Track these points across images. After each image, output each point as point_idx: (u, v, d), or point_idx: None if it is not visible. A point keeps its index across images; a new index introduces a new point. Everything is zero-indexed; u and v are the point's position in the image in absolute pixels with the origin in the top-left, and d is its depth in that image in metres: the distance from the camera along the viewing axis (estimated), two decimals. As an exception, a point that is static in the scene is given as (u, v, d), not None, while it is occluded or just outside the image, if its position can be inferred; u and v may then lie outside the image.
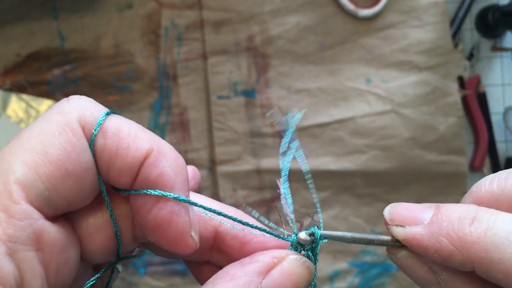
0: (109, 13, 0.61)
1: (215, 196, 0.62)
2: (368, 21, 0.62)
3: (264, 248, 0.22)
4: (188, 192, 0.21)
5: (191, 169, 0.36)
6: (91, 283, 0.20)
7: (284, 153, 0.23)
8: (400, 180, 0.62)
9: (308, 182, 0.25)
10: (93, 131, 0.19)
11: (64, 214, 0.19)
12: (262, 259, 0.20)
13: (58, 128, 0.19)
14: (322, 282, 0.62)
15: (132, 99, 0.62)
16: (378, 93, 0.62)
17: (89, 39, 0.61)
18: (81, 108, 0.20)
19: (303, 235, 0.22)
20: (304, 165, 0.24)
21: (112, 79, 0.62)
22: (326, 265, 0.62)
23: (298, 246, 0.21)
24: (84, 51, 0.61)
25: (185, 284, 0.62)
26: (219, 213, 0.22)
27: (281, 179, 0.25)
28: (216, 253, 0.23)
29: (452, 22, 0.64)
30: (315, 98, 0.62)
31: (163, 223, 0.20)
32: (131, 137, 0.20)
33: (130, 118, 0.68)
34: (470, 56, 0.65)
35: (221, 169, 0.61)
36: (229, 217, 0.22)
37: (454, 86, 0.62)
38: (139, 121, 0.71)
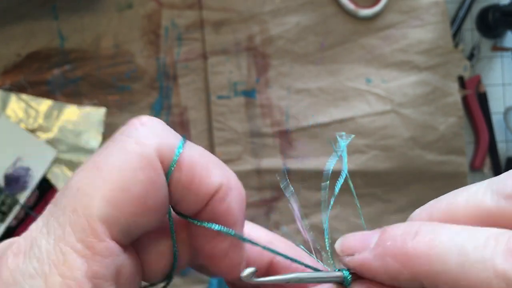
0: (109, 13, 0.61)
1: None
2: (368, 21, 0.62)
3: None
4: (244, 223, 0.21)
5: None
6: None
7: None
8: (400, 180, 0.62)
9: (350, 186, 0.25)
10: (171, 166, 0.19)
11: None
12: None
13: (139, 163, 0.19)
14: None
15: (132, 99, 0.62)
16: (378, 93, 0.62)
17: (89, 39, 0.61)
18: (159, 138, 0.19)
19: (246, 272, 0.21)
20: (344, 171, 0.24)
21: (112, 79, 0.62)
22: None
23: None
24: (84, 51, 0.61)
25: (186, 284, 0.62)
26: (272, 250, 0.23)
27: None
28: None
29: (452, 22, 0.64)
30: (315, 98, 0.62)
31: (220, 255, 0.21)
32: (205, 170, 0.20)
33: (130, 118, 0.68)
34: (471, 56, 0.65)
35: (221, 169, 0.61)
36: (281, 254, 0.23)
37: (455, 86, 0.62)
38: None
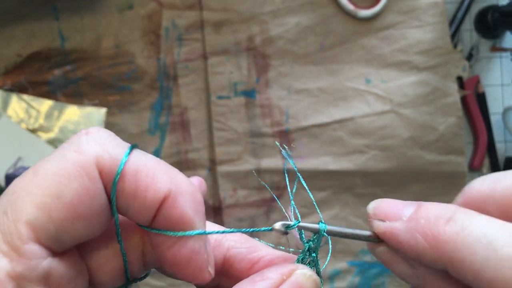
0: (109, 13, 0.61)
1: (215, 196, 0.62)
2: (367, 22, 0.62)
3: (272, 265, 0.22)
4: (205, 226, 0.21)
5: (197, 180, 0.36)
6: None
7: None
8: (399, 180, 0.62)
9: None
10: (116, 175, 0.19)
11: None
12: (272, 275, 0.21)
13: (74, 171, 0.19)
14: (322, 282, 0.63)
15: (133, 99, 0.62)
16: (378, 93, 0.62)
17: (90, 40, 0.61)
18: (100, 147, 0.19)
19: (278, 225, 0.22)
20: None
21: (112, 79, 0.62)
22: (326, 265, 0.62)
23: (305, 253, 0.23)
24: (85, 52, 0.61)
25: (185, 284, 0.62)
26: (232, 231, 0.23)
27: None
28: (225, 278, 0.24)
29: (451, 23, 0.64)
30: (315, 98, 0.62)
31: (183, 261, 0.21)
32: (149, 178, 0.20)
33: (130, 119, 0.68)
34: (469, 57, 0.65)
35: (221, 169, 0.61)
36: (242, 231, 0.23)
37: (454, 86, 0.62)
38: (139, 121, 0.71)
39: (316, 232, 0.23)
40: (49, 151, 0.60)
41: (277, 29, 0.62)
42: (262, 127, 0.62)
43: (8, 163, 0.59)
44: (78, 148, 0.19)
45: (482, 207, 0.19)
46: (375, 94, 0.62)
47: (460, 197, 0.21)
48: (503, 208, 0.19)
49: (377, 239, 0.21)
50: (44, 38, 0.61)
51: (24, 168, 0.59)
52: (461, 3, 0.64)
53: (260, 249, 0.23)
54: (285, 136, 0.62)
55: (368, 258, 0.63)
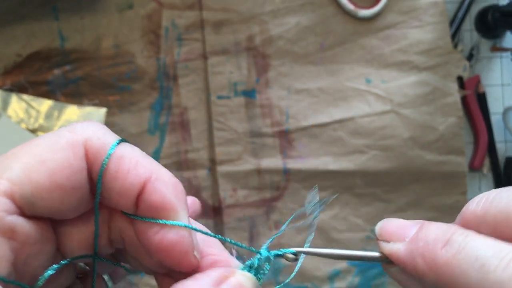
0: (109, 13, 0.61)
1: (215, 196, 0.62)
2: (368, 22, 0.62)
3: (215, 266, 0.23)
4: (187, 214, 0.22)
5: (190, 199, 0.36)
6: (53, 271, 0.21)
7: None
8: (399, 180, 0.62)
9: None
10: (105, 158, 0.21)
11: None
12: (214, 274, 0.21)
13: (62, 145, 0.20)
14: (322, 282, 0.62)
15: (133, 99, 0.62)
16: (378, 93, 0.62)
17: (90, 40, 0.61)
18: (91, 132, 0.21)
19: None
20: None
21: (112, 79, 0.62)
22: (326, 265, 0.62)
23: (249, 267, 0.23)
24: (85, 52, 0.61)
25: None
26: (216, 237, 0.24)
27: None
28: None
29: (451, 23, 0.64)
30: (315, 98, 0.62)
31: (169, 247, 0.21)
32: (132, 163, 0.21)
33: (130, 118, 0.68)
34: (470, 57, 0.65)
35: (221, 169, 0.61)
36: (219, 238, 0.24)
37: (454, 86, 0.62)
38: (139, 121, 0.71)
39: (325, 256, 0.24)
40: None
41: (277, 29, 0.62)
42: (262, 127, 0.62)
43: (8, 163, 0.59)
44: (72, 129, 0.21)
45: (478, 229, 0.19)
46: (375, 94, 0.62)
47: (458, 218, 0.21)
48: (497, 230, 0.19)
49: (386, 259, 0.22)
50: (44, 38, 0.61)
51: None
52: (462, 3, 0.64)
53: (214, 248, 0.23)
54: (285, 136, 0.62)
55: (368, 258, 0.63)
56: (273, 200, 0.62)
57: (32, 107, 0.61)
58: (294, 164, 0.62)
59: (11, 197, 0.19)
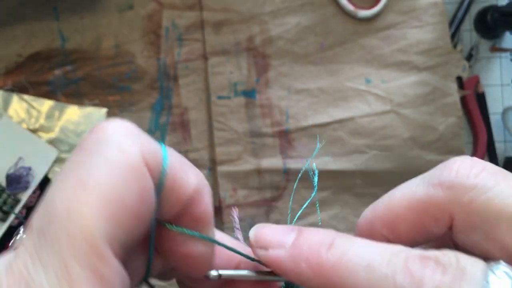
0: (109, 13, 0.62)
1: (215, 196, 0.62)
2: (367, 22, 0.62)
3: None
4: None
5: None
6: None
7: None
8: (399, 180, 0.62)
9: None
10: (162, 175, 0.19)
11: None
12: None
13: (129, 174, 0.17)
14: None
15: (133, 99, 0.62)
16: (378, 93, 0.62)
17: (90, 40, 0.61)
18: (140, 144, 0.18)
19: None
20: None
21: (112, 80, 0.62)
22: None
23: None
24: (85, 52, 0.62)
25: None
26: (242, 254, 0.23)
27: None
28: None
29: (451, 23, 0.64)
30: (315, 98, 0.62)
31: (195, 256, 0.21)
32: (184, 174, 0.20)
33: (131, 119, 0.68)
34: (469, 57, 0.65)
35: (222, 169, 0.61)
36: (249, 257, 0.23)
37: (453, 86, 0.62)
38: (140, 122, 0.71)
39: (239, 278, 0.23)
40: (49, 151, 0.60)
41: (277, 29, 0.62)
42: (262, 127, 0.62)
43: (9, 163, 0.59)
44: (120, 147, 0.18)
45: (372, 232, 0.21)
46: (375, 94, 0.62)
47: (355, 231, 0.22)
48: (389, 225, 0.20)
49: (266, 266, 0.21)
50: (44, 38, 0.61)
51: (25, 168, 0.60)
52: (461, 3, 0.64)
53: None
54: (285, 136, 0.62)
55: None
56: (273, 200, 0.62)
57: (33, 107, 0.61)
58: (294, 164, 0.62)
59: (116, 256, 0.17)
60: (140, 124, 0.69)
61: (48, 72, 0.61)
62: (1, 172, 0.59)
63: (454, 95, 0.62)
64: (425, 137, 0.62)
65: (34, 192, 0.60)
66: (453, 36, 0.64)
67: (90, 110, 0.62)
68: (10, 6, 0.61)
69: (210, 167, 0.62)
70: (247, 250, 0.23)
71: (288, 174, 0.62)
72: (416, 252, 0.17)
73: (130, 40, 0.62)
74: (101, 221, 0.16)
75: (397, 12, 0.62)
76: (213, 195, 0.62)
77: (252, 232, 0.21)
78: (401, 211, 0.21)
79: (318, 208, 0.27)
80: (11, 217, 0.59)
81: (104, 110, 0.62)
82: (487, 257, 0.17)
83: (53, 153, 0.61)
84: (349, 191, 0.63)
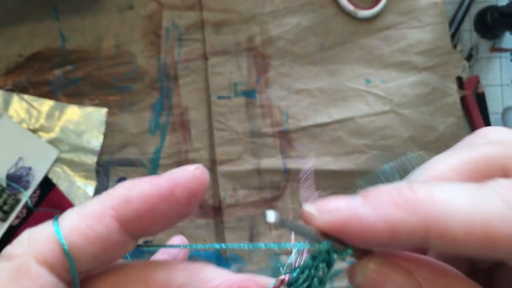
0: (110, 14, 0.62)
1: (215, 196, 0.62)
2: (367, 22, 0.62)
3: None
4: None
5: (179, 239, 0.30)
6: None
7: None
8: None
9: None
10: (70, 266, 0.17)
11: None
12: None
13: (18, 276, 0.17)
14: (321, 281, 0.63)
15: (133, 99, 0.62)
16: (378, 94, 0.62)
17: (90, 40, 0.62)
18: (33, 244, 0.18)
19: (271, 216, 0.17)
20: None
21: (113, 80, 0.62)
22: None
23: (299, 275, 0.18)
24: (85, 52, 0.62)
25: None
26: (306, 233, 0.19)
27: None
28: None
29: (451, 23, 0.64)
30: (315, 98, 0.62)
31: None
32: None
33: (131, 119, 0.68)
34: (469, 57, 0.65)
35: (222, 169, 0.62)
36: None
37: (453, 87, 0.62)
38: (140, 122, 0.71)
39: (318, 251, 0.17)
40: (50, 151, 0.61)
41: (277, 30, 0.62)
42: (262, 127, 0.62)
43: (10, 163, 0.59)
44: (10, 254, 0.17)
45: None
46: (375, 94, 0.62)
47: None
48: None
49: (324, 238, 0.17)
50: (44, 38, 0.61)
51: (25, 168, 0.60)
52: (461, 4, 0.65)
53: (214, 279, 0.19)
54: (285, 136, 0.62)
55: (368, 257, 0.63)
56: (273, 200, 0.63)
57: (33, 107, 0.61)
58: (294, 164, 0.62)
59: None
60: (140, 124, 0.69)
61: (48, 72, 0.62)
62: (1, 172, 0.59)
63: (454, 95, 0.62)
64: (425, 137, 0.62)
65: (34, 192, 0.60)
66: (453, 36, 0.64)
67: (90, 110, 0.62)
68: (10, 6, 0.61)
69: (210, 167, 0.62)
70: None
71: (288, 174, 0.62)
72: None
73: (130, 40, 0.62)
74: None
75: (397, 12, 0.62)
76: (213, 195, 0.63)
77: (309, 206, 0.18)
78: (450, 178, 0.18)
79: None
80: (11, 217, 0.59)
81: (104, 110, 0.62)
82: None
83: (53, 153, 0.61)
84: (349, 191, 0.63)
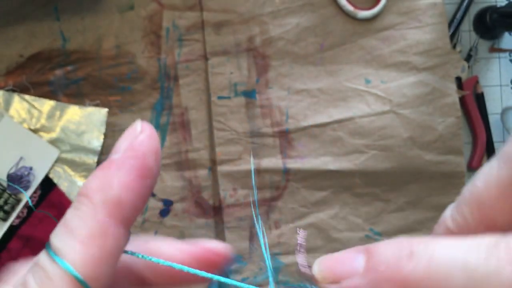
0: (110, 14, 0.62)
1: (216, 196, 0.62)
2: (367, 22, 0.62)
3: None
4: None
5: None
6: None
7: None
8: (398, 180, 0.63)
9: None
10: None
11: None
12: None
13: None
14: (321, 281, 0.63)
15: (134, 99, 0.62)
16: (377, 94, 0.62)
17: (91, 40, 0.62)
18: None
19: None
20: None
21: (113, 80, 0.62)
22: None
23: None
24: (86, 52, 0.62)
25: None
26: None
27: None
28: None
29: (450, 24, 0.64)
30: (315, 98, 0.63)
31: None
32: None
33: (131, 119, 0.69)
34: (468, 57, 0.65)
35: (222, 168, 0.62)
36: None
37: (452, 87, 0.62)
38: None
39: None
40: (50, 151, 0.61)
41: (277, 30, 0.62)
42: (262, 127, 0.62)
43: (11, 162, 0.60)
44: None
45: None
46: (375, 94, 0.62)
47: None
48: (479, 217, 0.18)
49: None
50: (45, 38, 0.62)
51: (26, 168, 0.60)
52: (460, 4, 0.65)
53: (166, 251, 0.21)
54: (285, 136, 0.63)
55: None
56: (273, 200, 0.63)
57: (34, 107, 0.61)
58: (294, 164, 0.62)
59: None
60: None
61: (49, 72, 0.62)
62: (3, 172, 0.59)
63: (453, 96, 0.62)
64: (424, 137, 0.62)
65: (35, 191, 0.60)
66: (452, 36, 0.64)
67: (91, 110, 0.62)
68: (11, 6, 0.61)
69: (210, 167, 0.63)
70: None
71: (288, 174, 0.62)
72: None
73: (131, 41, 0.62)
74: None
75: (396, 13, 0.62)
76: (214, 194, 0.63)
77: (315, 268, 0.19)
78: (489, 198, 0.17)
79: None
80: (12, 217, 0.60)
81: (105, 110, 0.62)
82: None
83: (54, 153, 0.61)
84: (349, 191, 0.63)
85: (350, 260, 0.18)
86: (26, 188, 0.60)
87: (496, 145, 0.66)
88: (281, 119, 0.63)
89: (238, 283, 0.20)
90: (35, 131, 0.61)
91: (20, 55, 0.61)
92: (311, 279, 0.19)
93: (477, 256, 0.15)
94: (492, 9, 0.64)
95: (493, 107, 0.66)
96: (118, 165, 0.19)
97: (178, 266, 0.20)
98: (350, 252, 0.18)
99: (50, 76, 0.62)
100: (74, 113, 0.62)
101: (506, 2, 0.66)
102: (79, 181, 0.62)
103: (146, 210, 0.62)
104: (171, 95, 0.62)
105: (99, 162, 0.62)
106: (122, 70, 0.62)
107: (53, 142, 0.61)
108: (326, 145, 0.62)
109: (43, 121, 0.61)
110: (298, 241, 0.23)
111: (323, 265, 0.19)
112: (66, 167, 0.61)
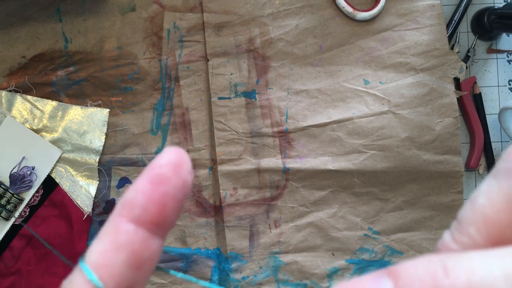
0: (112, 15, 0.62)
1: (216, 195, 0.63)
2: (366, 24, 0.63)
3: None
4: None
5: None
6: None
7: None
8: (397, 179, 0.63)
9: None
10: None
11: None
12: None
13: None
14: (320, 279, 0.63)
15: (135, 100, 0.63)
16: (376, 94, 0.63)
17: (93, 41, 0.62)
18: None
19: None
20: None
21: (115, 81, 0.63)
22: (324, 263, 0.63)
23: None
24: (88, 53, 0.62)
25: (186, 282, 0.63)
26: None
27: None
28: None
29: (448, 25, 0.65)
30: (314, 99, 0.63)
31: None
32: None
33: (133, 119, 0.69)
34: (466, 58, 0.66)
35: (222, 168, 0.62)
36: None
37: (450, 87, 0.63)
38: (141, 122, 0.72)
39: None
40: (53, 151, 0.61)
41: (277, 31, 0.63)
42: (262, 128, 0.63)
43: (13, 162, 0.60)
44: None
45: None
46: (373, 95, 0.63)
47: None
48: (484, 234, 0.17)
49: None
50: (47, 40, 0.62)
51: (28, 168, 0.60)
52: (458, 6, 0.65)
53: None
54: (284, 136, 0.63)
55: (366, 256, 0.64)
56: (273, 199, 0.63)
57: (36, 108, 0.62)
58: (293, 163, 0.63)
59: None
60: (142, 125, 0.70)
61: (51, 73, 0.62)
62: (5, 172, 0.60)
63: (451, 96, 0.62)
64: (422, 137, 0.62)
65: (37, 191, 0.61)
66: (450, 37, 0.65)
67: (92, 110, 0.62)
68: (14, 8, 0.62)
69: (211, 167, 0.63)
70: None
71: (287, 173, 0.63)
72: None
73: (133, 42, 0.62)
74: None
75: (395, 14, 0.63)
76: (214, 194, 0.63)
77: None
78: (495, 213, 0.17)
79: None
80: (15, 216, 0.60)
81: (106, 111, 0.63)
82: None
83: (56, 153, 0.61)
84: (348, 190, 0.63)
85: (375, 283, 0.16)
86: (29, 187, 0.60)
87: (493, 145, 0.66)
88: (281, 119, 0.63)
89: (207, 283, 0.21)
90: (37, 131, 0.62)
91: (23, 56, 0.62)
92: None
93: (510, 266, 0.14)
94: (490, 10, 0.64)
95: (491, 108, 0.66)
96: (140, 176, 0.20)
97: (209, 285, 0.21)
98: (372, 277, 0.17)
99: (52, 77, 0.62)
100: (76, 114, 0.62)
101: (504, 3, 0.66)
102: (81, 180, 0.62)
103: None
104: (172, 95, 0.63)
105: (100, 162, 0.62)
106: (123, 71, 0.63)
107: (55, 142, 0.62)
108: (325, 145, 0.63)
109: (45, 121, 0.62)
110: None
111: None
112: (68, 167, 0.62)
